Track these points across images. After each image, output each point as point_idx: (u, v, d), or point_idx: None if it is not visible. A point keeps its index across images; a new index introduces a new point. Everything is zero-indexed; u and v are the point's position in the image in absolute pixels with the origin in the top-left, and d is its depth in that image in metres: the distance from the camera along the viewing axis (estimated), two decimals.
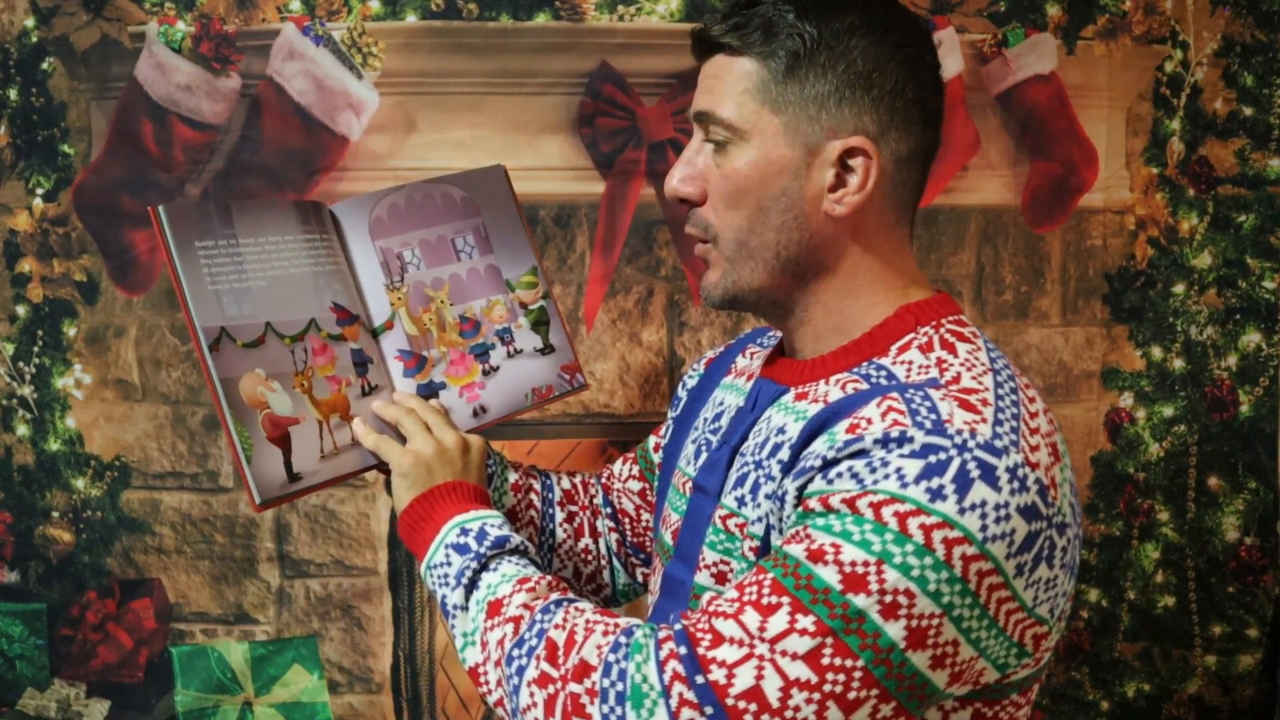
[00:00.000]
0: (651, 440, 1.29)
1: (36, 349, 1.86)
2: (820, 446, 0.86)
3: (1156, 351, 1.93)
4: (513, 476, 1.24)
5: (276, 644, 1.89)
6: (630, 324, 1.89)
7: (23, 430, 1.86)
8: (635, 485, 1.27)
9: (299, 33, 1.80)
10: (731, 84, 0.95)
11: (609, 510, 1.28)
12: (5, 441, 1.87)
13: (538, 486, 1.25)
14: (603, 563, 1.27)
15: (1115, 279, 1.92)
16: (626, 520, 1.27)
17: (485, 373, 1.21)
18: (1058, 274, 1.92)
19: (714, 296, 1.01)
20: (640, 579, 1.29)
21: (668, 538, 1.08)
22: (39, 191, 1.84)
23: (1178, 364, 1.93)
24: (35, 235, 1.85)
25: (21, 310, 1.86)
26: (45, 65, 1.81)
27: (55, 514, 1.87)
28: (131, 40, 1.80)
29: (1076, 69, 1.87)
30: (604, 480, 1.31)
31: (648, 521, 1.26)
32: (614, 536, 1.27)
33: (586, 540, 1.26)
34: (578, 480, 1.30)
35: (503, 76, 1.83)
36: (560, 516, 1.25)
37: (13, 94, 1.82)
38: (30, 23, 1.81)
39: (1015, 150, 1.89)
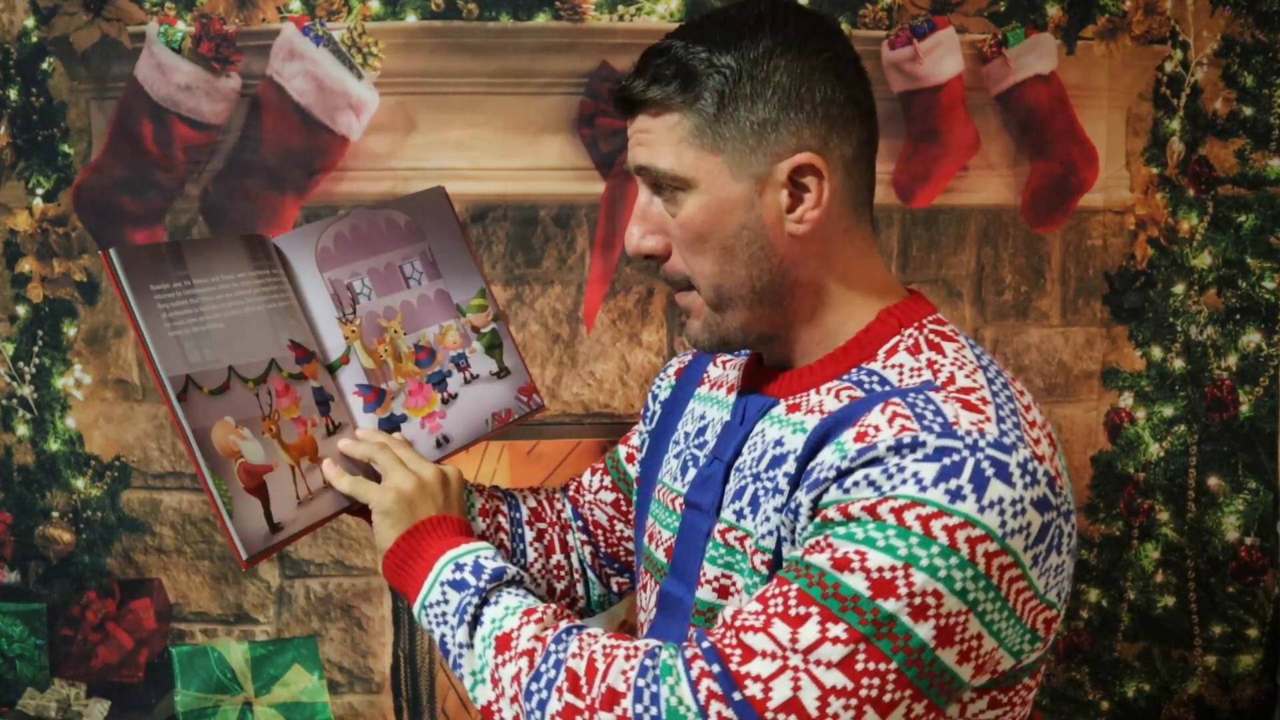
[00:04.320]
0: (622, 450, 1.26)
1: (36, 349, 1.86)
2: (831, 457, 0.86)
3: (1156, 351, 1.93)
4: (479, 501, 1.21)
5: (276, 644, 1.89)
6: (630, 324, 1.89)
7: (23, 430, 1.86)
8: (608, 496, 1.26)
9: (299, 33, 1.79)
10: (664, 136, 0.93)
11: (579, 523, 1.27)
12: (5, 441, 1.87)
13: (505, 509, 1.23)
14: (576, 577, 1.26)
15: (1115, 279, 1.92)
16: (600, 532, 1.26)
17: (444, 401, 1.18)
18: (1058, 274, 1.92)
19: (703, 343, 1.01)
20: (616, 588, 1.28)
21: (660, 555, 1.07)
22: (39, 191, 1.84)
23: (1178, 364, 1.93)
24: (35, 235, 1.85)
25: (21, 310, 1.86)
26: (45, 65, 1.81)
27: (55, 514, 1.87)
28: (131, 40, 1.80)
29: (1076, 69, 1.87)
30: (571, 493, 1.29)
31: (622, 532, 1.25)
32: (587, 549, 1.26)
33: (558, 556, 1.24)
34: (542, 497, 1.28)
35: (503, 76, 1.83)
36: (530, 536, 1.23)
37: (13, 94, 1.82)
38: (30, 23, 1.81)
39: (1015, 150, 1.89)
